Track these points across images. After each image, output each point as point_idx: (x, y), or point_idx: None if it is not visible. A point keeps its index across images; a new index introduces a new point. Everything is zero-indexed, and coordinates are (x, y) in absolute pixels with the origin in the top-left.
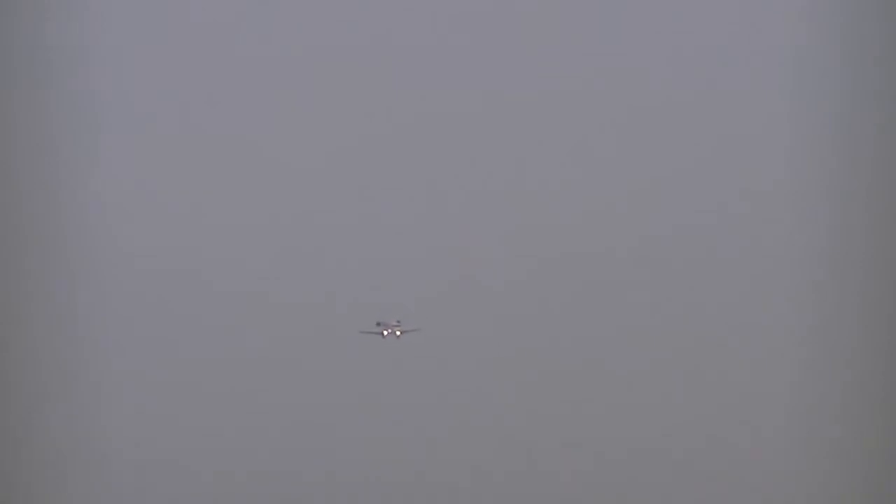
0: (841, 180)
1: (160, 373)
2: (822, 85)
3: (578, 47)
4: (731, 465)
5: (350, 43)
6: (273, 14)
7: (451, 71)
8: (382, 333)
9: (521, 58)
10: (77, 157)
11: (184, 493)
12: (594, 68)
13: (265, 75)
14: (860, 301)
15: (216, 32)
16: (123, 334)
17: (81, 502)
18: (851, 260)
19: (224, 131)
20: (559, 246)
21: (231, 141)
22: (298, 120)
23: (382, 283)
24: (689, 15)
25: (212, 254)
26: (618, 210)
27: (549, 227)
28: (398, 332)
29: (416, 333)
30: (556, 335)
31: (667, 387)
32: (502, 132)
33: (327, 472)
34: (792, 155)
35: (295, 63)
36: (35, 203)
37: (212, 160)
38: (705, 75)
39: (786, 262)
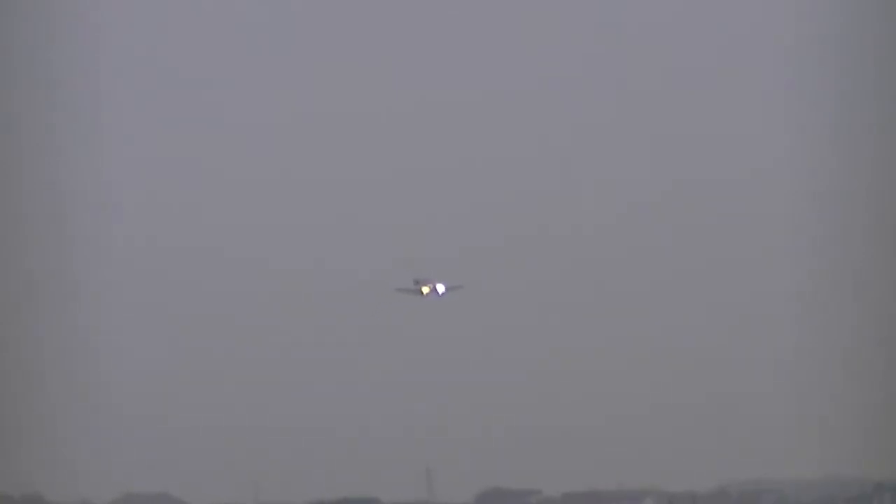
0: (839, 172)
1: (184, 344)
2: (822, 85)
3: (582, 50)
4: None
5: (374, 27)
6: (283, 10)
7: (460, 68)
8: (421, 291)
9: (532, 60)
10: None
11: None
12: (594, 70)
13: (269, 64)
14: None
15: (218, 30)
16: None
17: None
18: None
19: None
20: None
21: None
22: (310, 113)
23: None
24: (691, 18)
25: (233, 223)
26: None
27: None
28: (441, 289)
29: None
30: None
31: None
32: (523, 120)
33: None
34: (791, 152)
35: (303, 51)
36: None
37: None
38: (705, 76)
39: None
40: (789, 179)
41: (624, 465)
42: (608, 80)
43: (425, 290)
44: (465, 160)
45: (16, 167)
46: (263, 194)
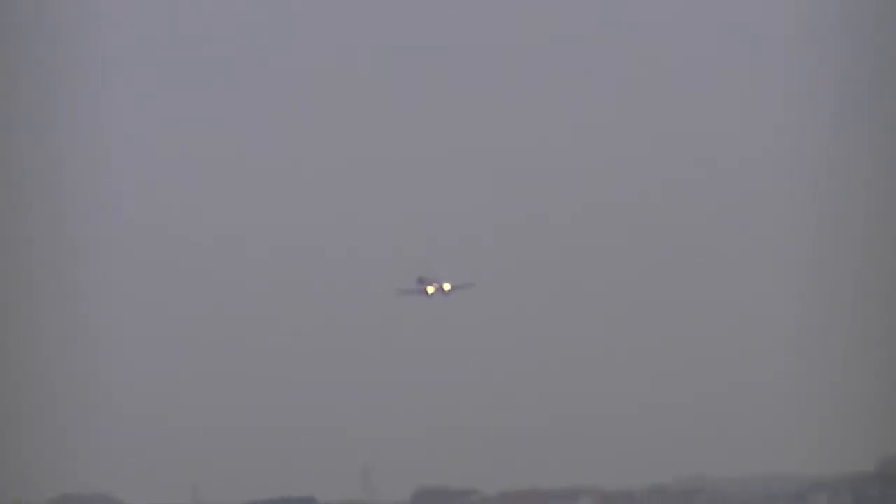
0: (838, 171)
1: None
2: (821, 83)
3: (579, 44)
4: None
5: (368, 26)
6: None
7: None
8: (426, 291)
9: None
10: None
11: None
12: (595, 68)
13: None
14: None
15: (221, 33)
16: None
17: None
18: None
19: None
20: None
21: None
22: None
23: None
24: (689, 16)
25: (242, 218)
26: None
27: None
28: (446, 288)
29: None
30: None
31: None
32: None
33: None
34: (790, 150)
35: (303, 53)
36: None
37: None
38: (705, 75)
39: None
40: (787, 178)
41: (560, 464)
42: (608, 80)
43: (430, 289)
44: (465, 156)
45: (16, 167)
46: (264, 194)
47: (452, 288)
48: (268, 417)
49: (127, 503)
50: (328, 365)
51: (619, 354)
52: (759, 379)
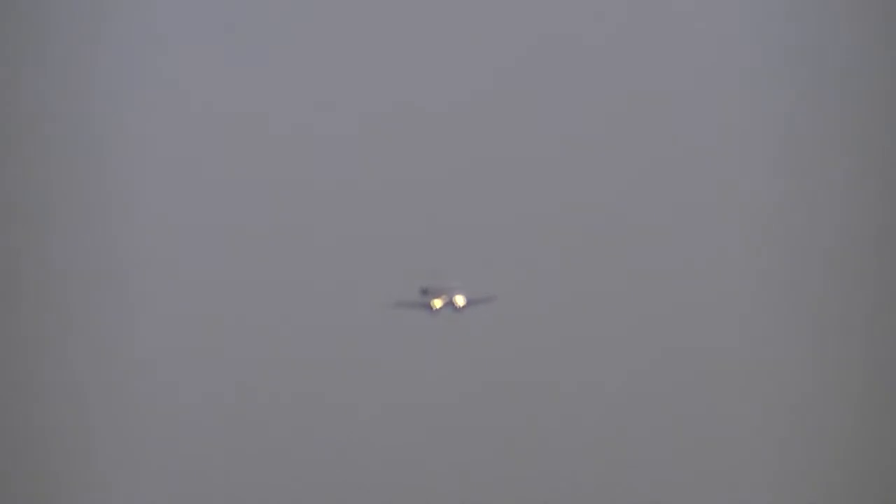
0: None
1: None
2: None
3: (562, 48)
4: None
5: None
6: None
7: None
8: (431, 305)
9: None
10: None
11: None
12: (577, 67)
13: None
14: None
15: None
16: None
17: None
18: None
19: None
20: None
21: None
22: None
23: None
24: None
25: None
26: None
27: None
28: (460, 302)
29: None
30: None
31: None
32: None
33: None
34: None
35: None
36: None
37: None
38: (695, 76)
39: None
40: (759, 189)
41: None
42: (611, 87)
43: (437, 303)
44: (472, 164)
45: (42, 169)
46: (260, 190)
47: (468, 303)
48: (219, 461)
49: None
50: (296, 393)
51: (577, 383)
52: (738, 416)
